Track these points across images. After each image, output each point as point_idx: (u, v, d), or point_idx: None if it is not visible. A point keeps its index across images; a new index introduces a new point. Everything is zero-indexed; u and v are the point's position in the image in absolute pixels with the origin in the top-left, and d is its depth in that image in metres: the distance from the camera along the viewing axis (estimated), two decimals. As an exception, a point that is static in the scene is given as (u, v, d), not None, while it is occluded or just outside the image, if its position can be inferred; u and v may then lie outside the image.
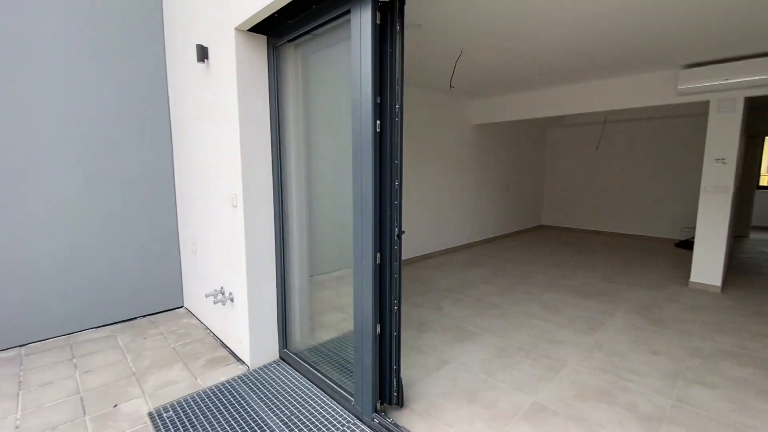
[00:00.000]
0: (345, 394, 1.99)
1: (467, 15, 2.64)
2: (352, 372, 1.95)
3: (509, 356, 2.56)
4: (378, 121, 1.68)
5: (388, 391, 1.87)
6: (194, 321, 3.21)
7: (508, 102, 5.46)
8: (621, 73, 4.22)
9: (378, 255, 1.74)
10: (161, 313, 3.38)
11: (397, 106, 1.70)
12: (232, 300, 2.61)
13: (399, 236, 1.78)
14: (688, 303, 3.61)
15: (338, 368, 2.28)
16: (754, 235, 7.28)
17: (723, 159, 3.87)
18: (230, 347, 2.72)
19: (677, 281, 4.31)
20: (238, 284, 2.49)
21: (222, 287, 2.72)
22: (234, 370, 2.43)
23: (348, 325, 2.20)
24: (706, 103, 3.96)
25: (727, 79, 3.59)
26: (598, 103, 4.65)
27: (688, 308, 3.47)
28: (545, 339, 2.82)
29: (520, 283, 4.19)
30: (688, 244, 6.10)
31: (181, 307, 3.53)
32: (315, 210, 2.52)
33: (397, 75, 1.68)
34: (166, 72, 3.25)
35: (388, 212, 1.74)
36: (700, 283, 4.06)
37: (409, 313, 3.34)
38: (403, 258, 4.98)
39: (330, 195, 2.51)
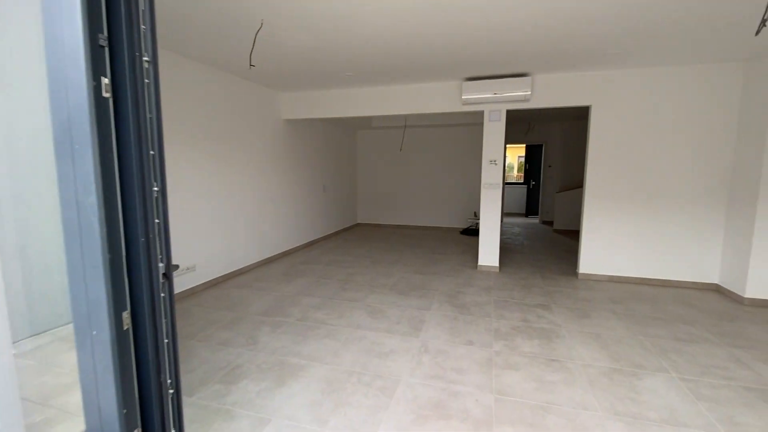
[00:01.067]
0: None
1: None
2: None
3: (341, 388, 2.18)
4: (106, 79, 0.94)
5: None
6: None
7: (320, 98, 5.18)
8: (419, 80, 4.51)
9: (125, 315, 1.01)
10: None
11: (146, 59, 1.00)
12: None
13: (167, 276, 1.09)
14: (480, 285, 4.14)
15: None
16: (506, 220, 9.48)
17: (495, 161, 4.64)
18: None
19: (468, 266, 4.98)
20: None
21: None
22: None
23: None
24: (482, 113, 4.67)
25: (495, 93, 4.27)
26: (399, 107, 4.88)
27: (482, 290, 3.96)
28: (376, 353, 2.59)
29: (343, 289, 3.94)
30: (469, 231, 7.35)
31: None
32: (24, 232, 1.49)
33: (143, 5, 0.99)
34: None
35: (143, 238, 1.03)
36: (485, 266, 4.78)
37: (211, 359, 2.55)
38: (208, 279, 3.99)
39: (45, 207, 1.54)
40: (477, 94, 4.34)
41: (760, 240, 3.46)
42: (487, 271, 4.71)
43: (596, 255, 4.38)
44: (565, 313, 3.34)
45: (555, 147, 8.62)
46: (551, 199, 8.67)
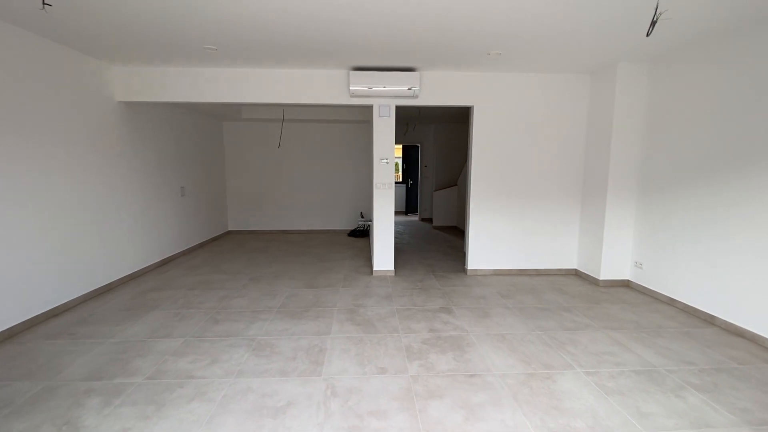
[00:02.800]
0: None
1: None
2: None
3: (222, 485, 1.51)
4: None
5: None
6: None
7: (171, 76, 4.07)
8: (301, 64, 3.91)
9: None
10: None
11: None
12: None
13: None
14: (380, 294, 3.81)
15: None
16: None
17: (386, 159, 4.38)
18: None
19: (363, 271, 4.62)
20: None
21: None
22: None
23: None
24: (371, 109, 4.35)
25: (384, 86, 3.98)
26: (277, 94, 4.18)
27: (383, 300, 3.63)
28: (268, 411, 1.96)
29: (215, 321, 3.10)
30: (357, 233, 7.04)
31: None
32: None
33: None
34: None
35: None
36: (381, 270, 4.49)
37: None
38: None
39: None
40: (365, 86, 3.97)
41: (609, 230, 4.01)
42: (384, 276, 4.43)
43: (481, 251, 4.52)
44: (468, 315, 3.25)
45: (430, 148, 9.01)
46: (429, 198, 9.05)
